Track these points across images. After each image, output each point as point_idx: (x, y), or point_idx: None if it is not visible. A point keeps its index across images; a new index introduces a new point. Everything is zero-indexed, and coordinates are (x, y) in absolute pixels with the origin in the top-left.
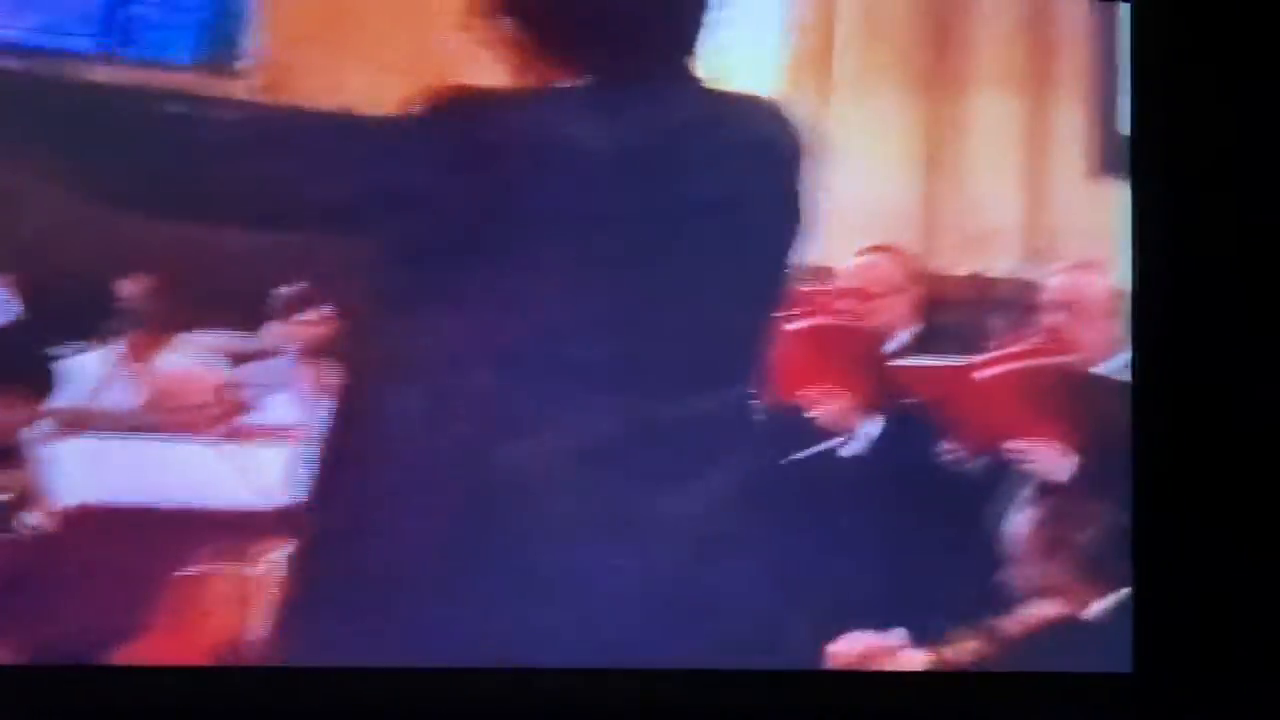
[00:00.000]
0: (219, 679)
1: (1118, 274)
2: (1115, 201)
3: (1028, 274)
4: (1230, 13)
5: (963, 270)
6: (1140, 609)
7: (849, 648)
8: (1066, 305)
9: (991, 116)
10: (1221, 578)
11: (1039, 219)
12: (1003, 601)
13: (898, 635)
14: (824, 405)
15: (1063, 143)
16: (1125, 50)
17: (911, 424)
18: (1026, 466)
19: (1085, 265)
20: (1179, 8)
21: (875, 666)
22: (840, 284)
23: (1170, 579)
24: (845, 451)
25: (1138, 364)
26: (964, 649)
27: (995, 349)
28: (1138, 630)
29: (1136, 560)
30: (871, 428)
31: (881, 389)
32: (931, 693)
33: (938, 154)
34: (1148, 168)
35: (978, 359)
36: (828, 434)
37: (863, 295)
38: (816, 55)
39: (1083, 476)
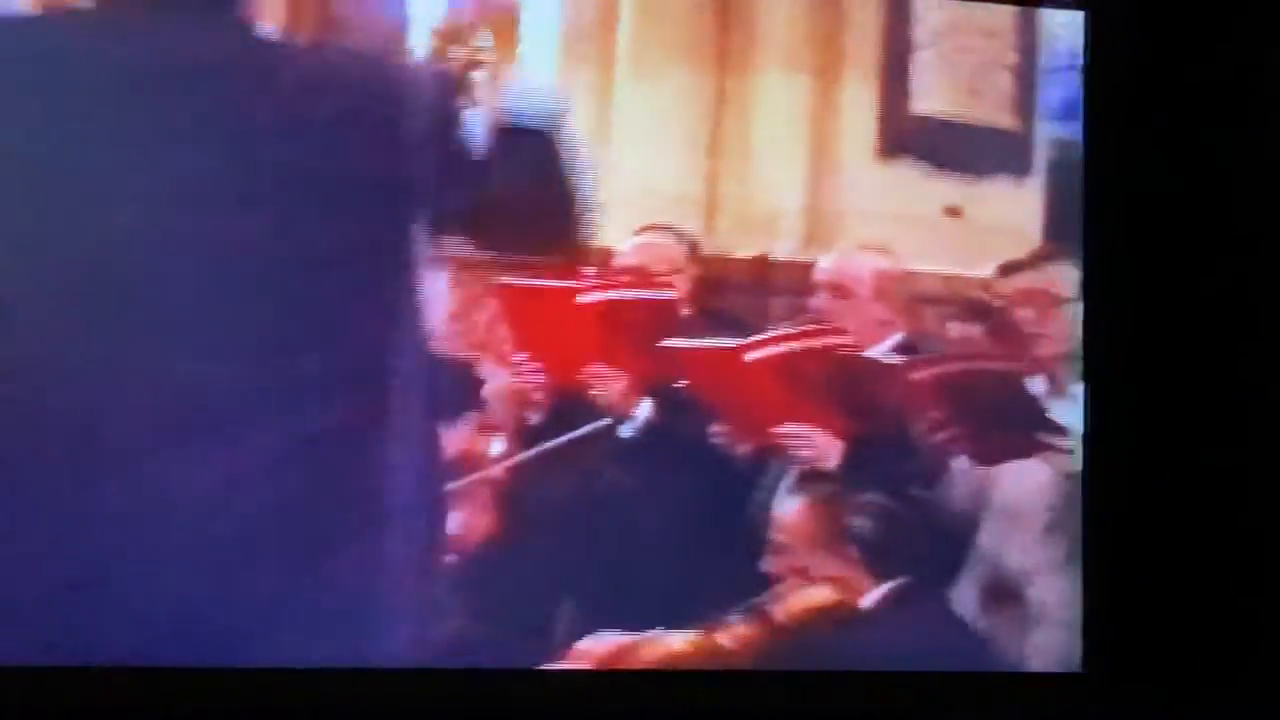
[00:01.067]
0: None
1: (905, 258)
2: (905, 183)
3: (811, 256)
4: (1184, 20)
5: (745, 253)
6: (1091, 609)
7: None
8: (837, 287)
9: (778, 95)
10: (1173, 578)
11: (824, 201)
12: (773, 589)
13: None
14: (603, 385)
15: (851, 123)
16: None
17: (683, 406)
18: (796, 452)
19: (860, 247)
20: (1134, 16)
21: (637, 657)
22: (620, 264)
23: (1121, 578)
24: (622, 433)
25: (1089, 362)
26: (735, 635)
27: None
28: (1088, 630)
29: (1087, 560)
30: (645, 409)
31: (656, 370)
32: (878, 691)
33: (721, 133)
34: (1098, 177)
35: (748, 341)
36: (606, 414)
37: (642, 274)
38: (597, 29)
39: (853, 463)
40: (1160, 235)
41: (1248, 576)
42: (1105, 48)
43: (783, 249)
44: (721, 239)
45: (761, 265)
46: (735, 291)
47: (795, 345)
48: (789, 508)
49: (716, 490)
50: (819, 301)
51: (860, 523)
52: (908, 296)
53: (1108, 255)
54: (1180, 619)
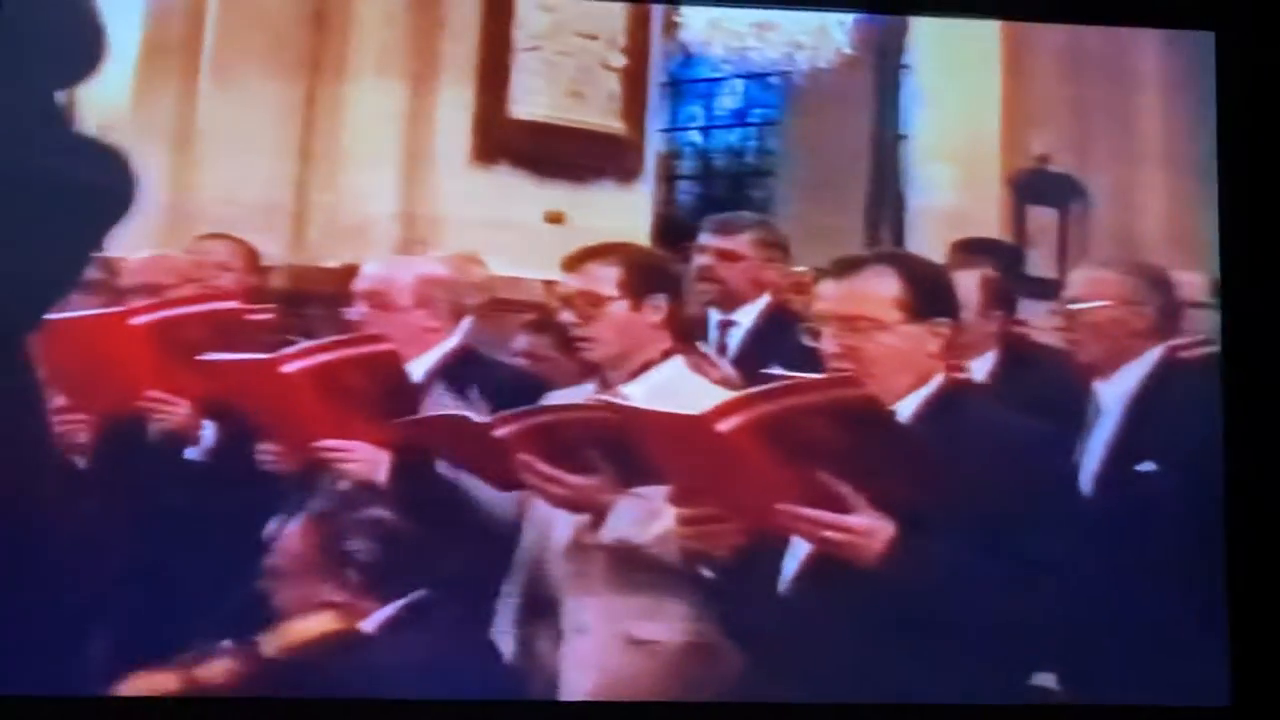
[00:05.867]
0: None
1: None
2: (504, 188)
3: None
4: None
5: (335, 260)
6: (1236, 640)
7: None
8: (374, 295)
9: (371, 102)
10: None
11: (419, 207)
12: (273, 615)
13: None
14: (165, 411)
15: (447, 129)
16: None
17: (239, 423)
18: (342, 467)
19: (403, 253)
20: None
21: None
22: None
23: (1268, 607)
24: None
25: (1226, 372)
26: (217, 669)
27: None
28: (1234, 662)
29: (1232, 587)
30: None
31: (204, 388)
32: None
33: (311, 141)
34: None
35: (283, 353)
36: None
37: (198, 288)
38: (181, 39)
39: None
40: None
41: None
42: (1233, 68)
43: (375, 256)
44: (311, 247)
45: (339, 274)
46: (311, 301)
47: (332, 355)
48: (286, 529)
49: (264, 509)
50: (358, 311)
51: (360, 543)
52: (461, 303)
53: (1241, 273)
54: None
